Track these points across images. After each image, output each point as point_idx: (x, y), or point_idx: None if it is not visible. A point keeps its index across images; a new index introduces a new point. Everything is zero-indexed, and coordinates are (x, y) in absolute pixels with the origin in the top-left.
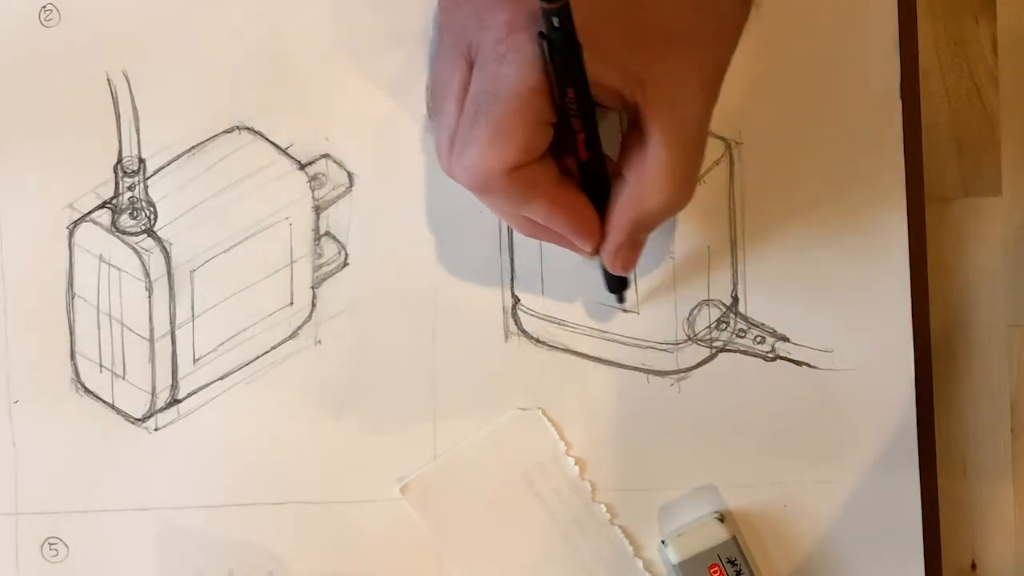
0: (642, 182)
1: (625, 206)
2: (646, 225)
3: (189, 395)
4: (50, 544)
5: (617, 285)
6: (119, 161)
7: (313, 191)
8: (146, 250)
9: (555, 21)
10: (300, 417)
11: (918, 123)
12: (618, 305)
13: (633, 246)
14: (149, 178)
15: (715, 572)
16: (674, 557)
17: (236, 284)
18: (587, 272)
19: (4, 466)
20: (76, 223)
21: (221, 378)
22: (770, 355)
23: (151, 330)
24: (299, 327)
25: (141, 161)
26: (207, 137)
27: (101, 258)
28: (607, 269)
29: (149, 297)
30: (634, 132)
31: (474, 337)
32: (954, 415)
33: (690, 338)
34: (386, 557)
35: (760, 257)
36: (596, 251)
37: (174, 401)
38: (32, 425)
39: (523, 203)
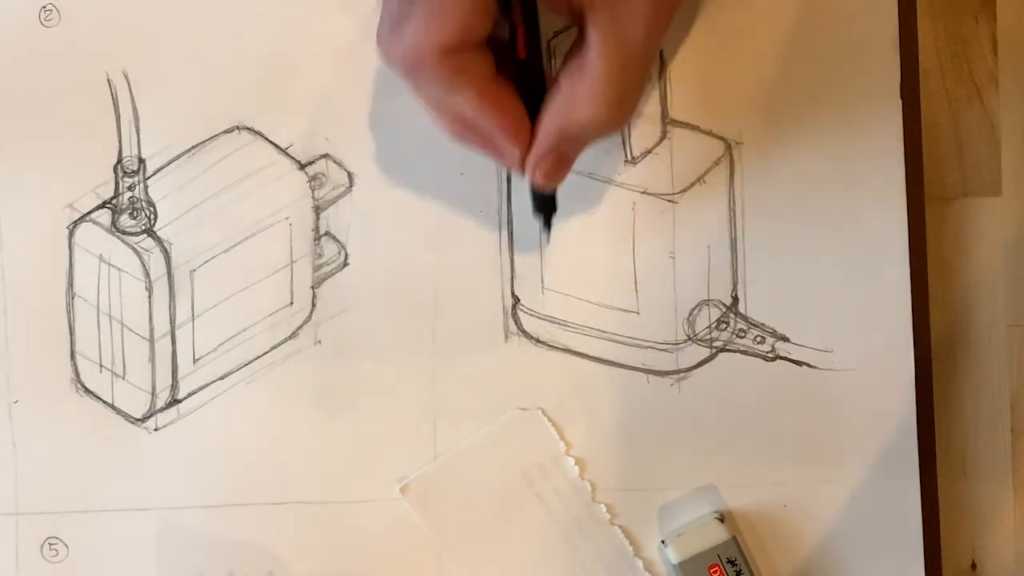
0: (574, 91)
1: (554, 113)
2: (572, 137)
3: (189, 395)
4: (50, 544)
5: (542, 205)
6: (119, 161)
7: (313, 191)
8: (146, 250)
9: None
10: (300, 417)
11: (918, 123)
12: (544, 234)
13: (559, 159)
14: (149, 178)
15: (715, 572)
16: (674, 557)
17: (236, 284)
18: (587, 271)
19: (4, 466)
20: (76, 223)
21: (221, 378)
22: (770, 355)
23: (151, 330)
24: (299, 327)
25: (141, 161)
26: (207, 137)
27: (101, 258)
28: (531, 182)
29: (149, 297)
30: (578, 41)
31: (474, 337)
32: (954, 415)
33: (690, 338)
34: (386, 557)
35: (760, 257)
36: (523, 162)
37: (174, 401)
38: (32, 425)
39: (453, 89)
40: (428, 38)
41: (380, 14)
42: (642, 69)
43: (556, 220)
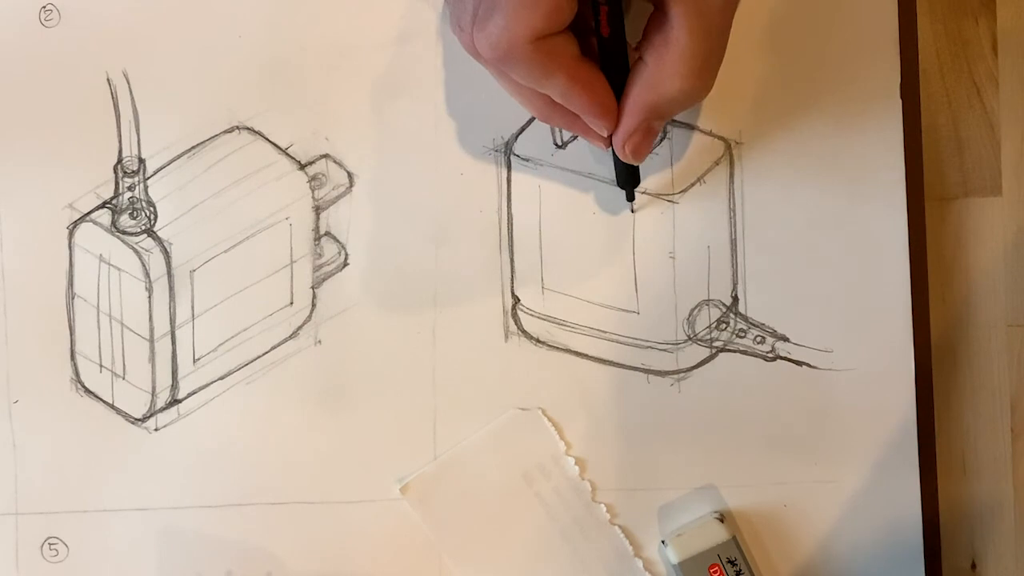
0: (661, 65)
1: (642, 89)
2: (661, 111)
3: (189, 395)
4: (50, 544)
5: (627, 178)
6: (119, 161)
7: (313, 191)
8: (146, 250)
9: None
10: (300, 417)
11: (918, 123)
12: (628, 205)
13: (646, 133)
14: (149, 178)
15: (715, 572)
16: (674, 557)
17: (236, 284)
18: (587, 271)
19: (4, 466)
20: (76, 223)
21: (221, 378)
22: (770, 355)
23: (151, 330)
24: (299, 327)
25: (141, 161)
26: (207, 137)
27: (101, 258)
28: (618, 157)
29: (149, 297)
30: (657, 16)
31: (474, 337)
32: (954, 415)
33: (690, 338)
34: (386, 557)
35: (760, 257)
36: (609, 138)
37: (174, 401)
38: (32, 425)
39: (543, 76)
40: (519, 27)
41: (452, 9)
42: (722, 36)
43: (555, 219)
